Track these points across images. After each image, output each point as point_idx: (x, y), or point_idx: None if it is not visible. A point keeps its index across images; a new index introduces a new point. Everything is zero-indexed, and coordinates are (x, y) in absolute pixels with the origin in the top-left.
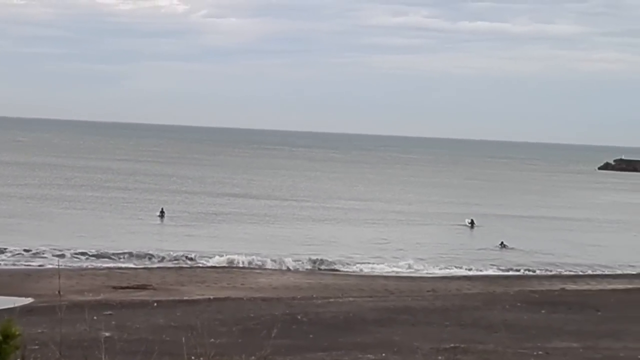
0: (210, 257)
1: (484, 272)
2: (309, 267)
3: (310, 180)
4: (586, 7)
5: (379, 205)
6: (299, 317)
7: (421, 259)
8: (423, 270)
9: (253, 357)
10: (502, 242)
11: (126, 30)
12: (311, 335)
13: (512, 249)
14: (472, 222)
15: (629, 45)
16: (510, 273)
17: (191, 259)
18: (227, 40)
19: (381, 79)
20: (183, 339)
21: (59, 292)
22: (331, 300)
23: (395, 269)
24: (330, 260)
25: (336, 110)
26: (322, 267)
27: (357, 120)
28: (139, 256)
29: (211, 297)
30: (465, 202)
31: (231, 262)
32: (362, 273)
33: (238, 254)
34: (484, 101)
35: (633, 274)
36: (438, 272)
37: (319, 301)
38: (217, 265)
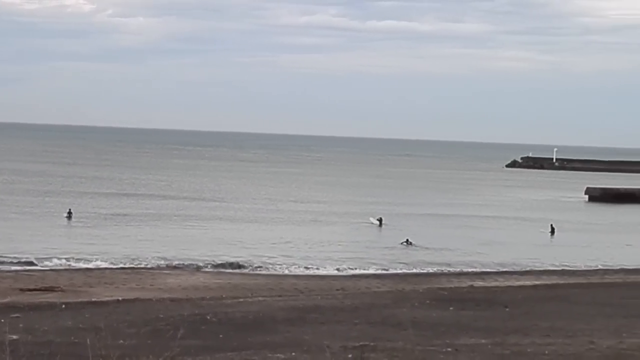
0: (118, 258)
1: (393, 271)
2: (217, 267)
3: (218, 180)
4: (493, 5)
5: (287, 204)
6: (209, 317)
7: (330, 258)
8: (332, 269)
9: (161, 359)
10: (407, 240)
11: (30, 30)
12: (221, 335)
13: (417, 246)
14: (380, 221)
15: (535, 43)
16: (420, 271)
17: (99, 260)
18: (133, 40)
19: (289, 78)
20: (88, 340)
21: None
22: (240, 300)
23: (304, 268)
24: (239, 260)
25: (243, 109)
26: (231, 267)
27: (264, 119)
28: (47, 258)
29: (120, 298)
30: (374, 201)
31: (139, 263)
32: (272, 272)
33: (146, 254)
34: (392, 100)
35: (540, 270)
36: (347, 271)
37: (229, 301)
38: (125, 266)
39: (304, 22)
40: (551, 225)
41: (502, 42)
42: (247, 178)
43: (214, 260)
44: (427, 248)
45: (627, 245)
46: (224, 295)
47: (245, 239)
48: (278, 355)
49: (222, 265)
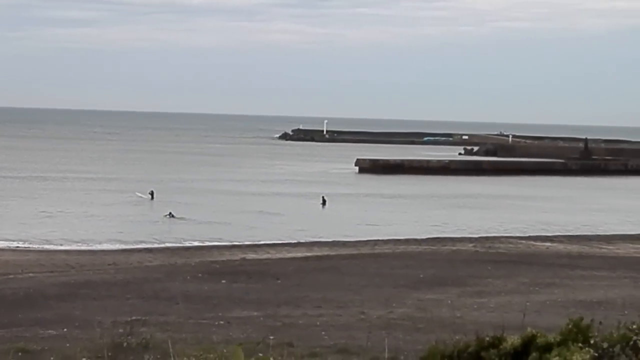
0: None
1: (165, 244)
2: None
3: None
4: None
5: (57, 179)
6: None
7: (102, 233)
8: (104, 243)
9: None
10: (170, 212)
11: None
12: None
13: (184, 219)
14: (152, 194)
15: (304, 16)
16: (191, 244)
17: None
18: None
19: (55, 53)
20: None
21: None
22: (10, 276)
23: (75, 244)
24: (7, 236)
25: (17, 85)
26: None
27: (37, 95)
28: None
29: None
30: (146, 178)
31: None
32: (42, 248)
33: None
34: (160, 74)
35: (311, 242)
36: (119, 245)
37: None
38: None
39: None
40: (322, 197)
41: (273, 15)
42: (15, 153)
43: None
44: (198, 222)
45: (396, 214)
46: None
47: (13, 215)
48: (50, 331)
49: None
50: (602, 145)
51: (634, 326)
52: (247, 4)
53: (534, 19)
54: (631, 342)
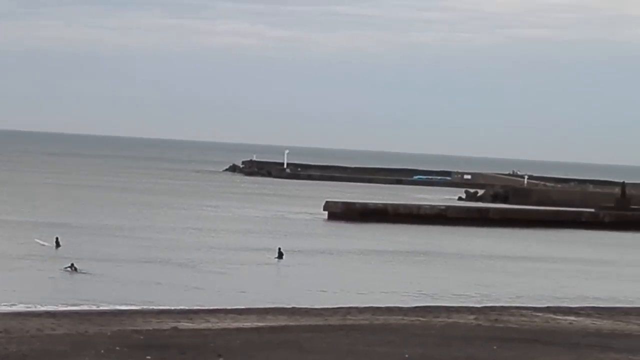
0: None
1: (74, 307)
2: None
3: None
4: None
5: None
6: None
7: None
8: None
9: None
10: (72, 265)
11: None
12: None
13: (91, 273)
14: (57, 242)
15: (263, 14)
16: (108, 308)
17: None
18: None
19: None
20: None
21: None
22: None
23: None
24: None
25: None
26: None
27: None
28: None
29: None
30: (50, 220)
31: None
32: None
33: None
34: (74, 83)
35: (264, 309)
36: (12, 307)
37: None
38: None
39: None
40: (279, 249)
41: (222, 12)
42: None
43: None
44: (116, 279)
45: (376, 275)
46: None
47: None
48: None
49: None
50: None
51: None
52: None
53: (557, 26)
54: None
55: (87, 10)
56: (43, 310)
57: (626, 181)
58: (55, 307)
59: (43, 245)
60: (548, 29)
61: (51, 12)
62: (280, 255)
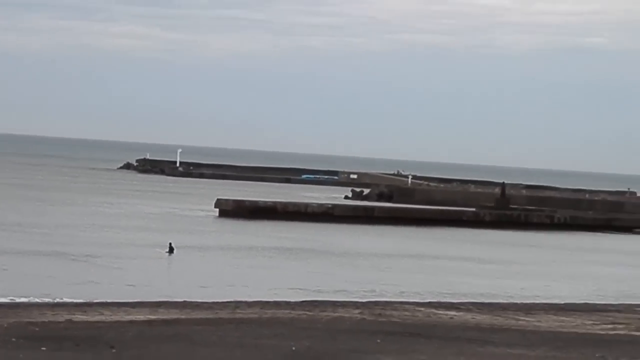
0: None
1: None
2: None
3: None
4: None
5: None
6: None
7: None
8: None
9: None
10: None
11: None
12: None
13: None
14: None
15: (157, 17)
16: (3, 300)
17: None
18: None
19: None
20: None
21: None
22: None
23: None
24: None
25: None
26: None
27: None
28: None
29: None
30: None
31: None
32: None
33: None
34: None
35: (156, 302)
36: None
37: None
38: None
39: None
40: (170, 243)
41: (116, 13)
42: None
43: None
44: (10, 272)
45: (265, 271)
46: None
47: None
48: None
49: None
50: (523, 192)
51: None
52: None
53: (442, 31)
54: None
55: None
56: None
57: (505, 182)
58: None
59: None
60: (436, 35)
61: None
62: (171, 250)
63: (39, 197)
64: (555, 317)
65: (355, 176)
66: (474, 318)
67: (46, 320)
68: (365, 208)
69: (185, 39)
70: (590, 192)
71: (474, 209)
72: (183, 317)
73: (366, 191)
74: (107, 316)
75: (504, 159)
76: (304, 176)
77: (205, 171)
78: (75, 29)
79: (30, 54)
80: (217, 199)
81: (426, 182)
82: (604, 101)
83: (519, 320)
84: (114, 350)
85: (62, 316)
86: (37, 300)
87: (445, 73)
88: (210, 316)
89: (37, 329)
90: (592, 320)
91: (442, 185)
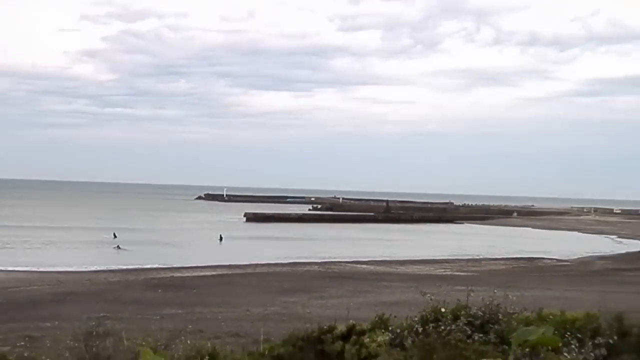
0: None
1: (122, 267)
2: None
3: None
4: (185, 98)
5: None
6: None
7: (81, 259)
8: (83, 266)
9: None
10: (117, 245)
11: None
12: (6, 312)
13: (128, 250)
14: (114, 235)
15: (211, 123)
16: (139, 266)
17: None
18: None
19: None
20: None
21: None
22: (20, 288)
23: (63, 266)
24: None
25: None
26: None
27: None
28: None
29: None
30: (108, 225)
31: None
32: (41, 269)
33: None
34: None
35: (214, 265)
36: (91, 267)
37: (13, 289)
38: None
39: None
40: (220, 235)
41: (191, 121)
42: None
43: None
44: (141, 252)
45: (269, 248)
46: (9, 286)
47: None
48: (46, 324)
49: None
50: (397, 203)
51: (415, 318)
52: (176, 115)
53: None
54: (414, 328)
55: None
56: (107, 269)
57: (389, 199)
58: (114, 267)
59: (106, 237)
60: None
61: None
62: (221, 238)
63: (154, 213)
64: (416, 267)
65: (313, 199)
66: (374, 268)
67: (160, 276)
68: (319, 215)
69: (223, 133)
70: (432, 203)
71: (373, 213)
72: (229, 272)
73: (319, 206)
74: (190, 273)
75: (389, 186)
76: (288, 199)
77: (239, 199)
78: (172, 131)
79: (153, 145)
80: (245, 212)
81: (349, 200)
82: None
83: (397, 268)
84: (194, 290)
85: (168, 274)
86: (155, 265)
87: None
88: (242, 272)
89: (155, 281)
90: (434, 267)
91: (357, 202)
